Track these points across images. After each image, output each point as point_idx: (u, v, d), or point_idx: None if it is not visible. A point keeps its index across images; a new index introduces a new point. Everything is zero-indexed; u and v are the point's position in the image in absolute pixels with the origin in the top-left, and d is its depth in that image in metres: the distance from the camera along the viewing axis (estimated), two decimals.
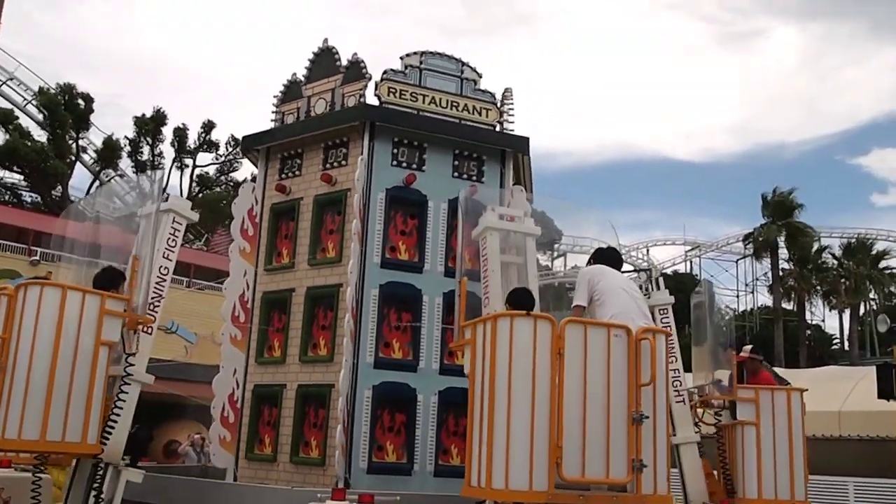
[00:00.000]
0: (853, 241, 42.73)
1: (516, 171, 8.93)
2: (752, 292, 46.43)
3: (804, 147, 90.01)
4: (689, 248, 48.83)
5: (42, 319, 5.05)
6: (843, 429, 14.68)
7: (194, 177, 39.44)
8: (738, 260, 46.78)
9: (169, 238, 6.27)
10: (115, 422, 5.42)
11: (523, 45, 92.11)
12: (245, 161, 34.17)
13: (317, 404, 7.85)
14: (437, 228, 8.19)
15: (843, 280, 40.86)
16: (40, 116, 35.37)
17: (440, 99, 8.62)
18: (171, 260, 6.23)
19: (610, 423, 4.68)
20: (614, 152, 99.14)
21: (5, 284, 5.37)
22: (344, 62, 8.78)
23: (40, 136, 35.23)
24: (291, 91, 9.24)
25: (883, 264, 42.93)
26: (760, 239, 40.88)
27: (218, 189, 39.64)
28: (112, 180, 34.84)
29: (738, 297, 46.30)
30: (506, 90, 8.95)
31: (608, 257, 6.13)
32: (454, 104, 8.67)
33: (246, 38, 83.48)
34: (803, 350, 39.61)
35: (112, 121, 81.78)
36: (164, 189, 24.65)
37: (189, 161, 39.05)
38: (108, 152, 35.94)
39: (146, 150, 37.82)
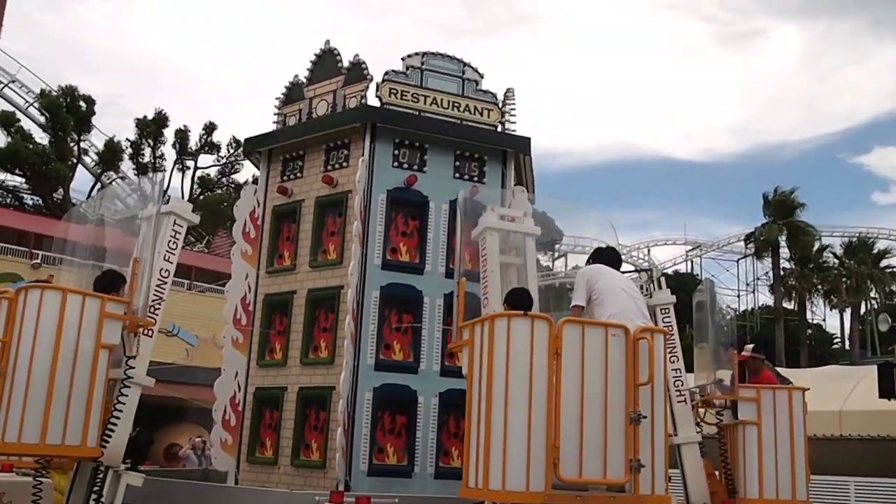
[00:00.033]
0: (854, 239, 42.70)
1: (518, 171, 8.92)
2: (753, 292, 46.46)
3: (805, 146, 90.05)
4: (690, 247, 48.83)
5: (42, 323, 5.05)
6: (844, 428, 14.64)
7: (195, 179, 39.47)
8: (738, 259, 46.80)
9: (170, 240, 6.26)
10: (115, 425, 5.41)
11: (523, 45, 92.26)
12: (246, 163, 34.32)
13: (318, 407, 7.84)
14: (439, 230, 8.17)
15: (844, 279, 40.82)
16: (42, 119, 35.39)
17: (441, 100, 8.61)
18: (171, 262, 6.22)
19: (607, 423, 4.69)
20: (614, 152, 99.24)
21: (6, 288, 5.37)
22: (346, 64, 8.79)
23: (42, 138, 35.32)
24: (293, 93, 9.25)
25: (884, 263, 42.88)
26: (762, 238, 40.84)
27: (219, 191, 39.67)
28: (113, 183, 34.87)
29: (738, 296, 46.31)
30: (507, 90, 8.95)
31: (607, 257, 6.13)
32: (455, 105, 8.66)
33: (246, 38, 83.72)
34: (804, 349, 39.56)
35: (112, 122, 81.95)
36: (166, 191, 24.73)
37: (190, 163, 39.10)
38: (110, 154, 35.94)
39: (147, 152, 37.84)
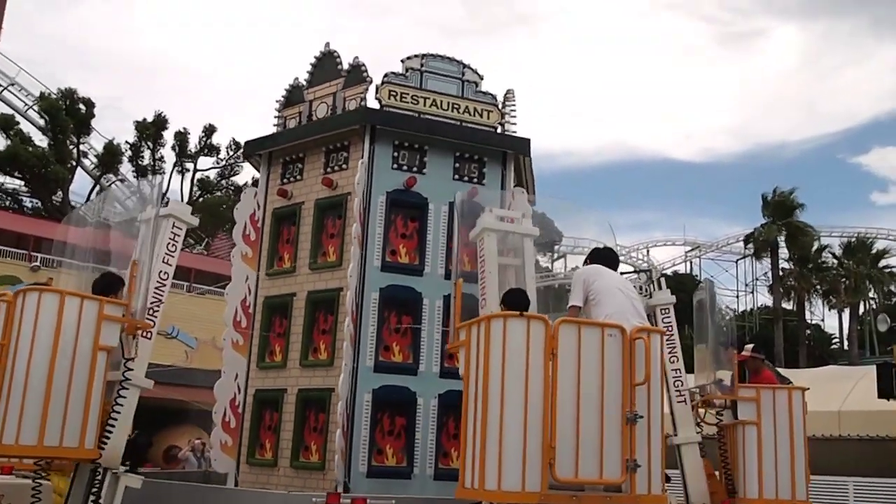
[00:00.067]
0: (853, 240, 42.70)
1: (517, 172, 8.92)
2: (752, 292, 46.43)
3: (805, 146, 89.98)
4: (690, 248, 48.81)
5: (40, 325, 5.06)
6: (843, 428, 14.65)
7: (195, 181, 39.49)
8: (738, 260, 46.78)
9: (168, 243, 6.27)
10: (114, 427, 5.43)
11: (523, 46, 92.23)
12: (246, 165, 34.30)
13: (317, 408, 7.85)
14: (438, 231, 8.18)
15: (843, 279, 40.79)
16: (41, 122, 35.41)
17: (441, 101, 8.62)
18: (170, 265, 6.23)
19: (604, 423, 4.69)
20: (614, 153, 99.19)
21: (5, 290, 5.39)
22: (345, 66, 8.79)
23: (41, 141, 35.35)
24: (293, 96, 9.27)
25: (883, 263, 42.81)
26: (761, 239, 40.84)
27: (218, 193, 39.69)
28: (113, 186, 34.87)
29: (737, 297, 46.30)
30: (508, 92, 8.96)
31: (604, 257, 6.14)
32: (455, 106, 8.67)
33: (246, 39, 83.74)
34: (803, 350, 39.54)
35: (112, 124, 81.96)
36: (165, 193, 24.74)
37: (190, 165, 39.11)
38: (109, 157, 35.94)
39: (147, 154, 37.86)
